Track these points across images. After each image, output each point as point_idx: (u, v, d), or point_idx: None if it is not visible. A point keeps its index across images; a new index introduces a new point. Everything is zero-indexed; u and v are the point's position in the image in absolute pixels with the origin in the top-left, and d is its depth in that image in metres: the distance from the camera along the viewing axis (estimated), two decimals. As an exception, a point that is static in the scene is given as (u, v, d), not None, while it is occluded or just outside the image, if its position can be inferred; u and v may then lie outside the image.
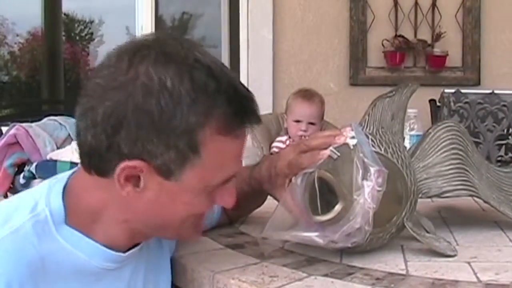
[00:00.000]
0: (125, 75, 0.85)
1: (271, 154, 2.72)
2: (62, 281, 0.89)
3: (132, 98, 0.84)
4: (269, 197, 1.18)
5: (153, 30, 3.68)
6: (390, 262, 1.02)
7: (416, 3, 3.59)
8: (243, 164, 0.97)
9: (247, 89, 0.91)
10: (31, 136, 2.70)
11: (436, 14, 3.60)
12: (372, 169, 0.97)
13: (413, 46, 3.56)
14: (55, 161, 2.58)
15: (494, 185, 1.26)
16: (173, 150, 0.85)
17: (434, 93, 3.02)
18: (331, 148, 1.01)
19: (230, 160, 0.90)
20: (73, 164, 2.37)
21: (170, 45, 0.89)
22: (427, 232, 1.10)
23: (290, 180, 1.04)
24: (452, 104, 2.81)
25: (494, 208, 1.20)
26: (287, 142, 2.82)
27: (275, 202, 1.10)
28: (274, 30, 3.58)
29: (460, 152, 1.20)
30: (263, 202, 1.24)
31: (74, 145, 2.45)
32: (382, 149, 1.05)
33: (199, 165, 0.87)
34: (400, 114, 1.14)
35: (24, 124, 2.76)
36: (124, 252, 0.95)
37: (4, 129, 2.88)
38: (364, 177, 0.97)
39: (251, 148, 2.89)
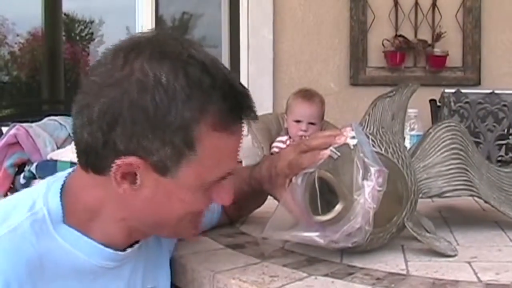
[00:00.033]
0: (120, 71, 0.85)
1: (272, 154, 2.72)
2: (60, 279, 0.89)
3: (127, 95, 0.84)
4: (269, 197, 1.18)
5: (153, 30, 3.69)
6: (390, 262, 1.02)
7: (417, 3, 3.59)
8: (244, 164, 0.97)
9: (243, 86, 0.91)
10: (31, 136, 2.70)
11: (437, 14, 3.60)
12: (372, 169, 0.97)
13: (414, 46, 3.57)
14: (56, 161, 2.57)
15: (495, 185, 1.26)
16: (169, 146, 0.85)
17: (435, 93, 3.02)
18: (331, 148, 1.01)
19: (226, 157, 0.90)
20: (73, 164, 2.36)
21: (166, 42, 0.89)
22: (428, 232, 1.10)
23: (291, 180, 1.04)
24: (452, 104, 2.82)
25: (495, 208, 1.20)
26: (288, 142, 2.82)
27: (276, 202, 1.10)
28: (274, 30, 3.58)
29: (461, 152, 1.20)
30: (263, 202, 1.24)
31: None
32: (383, 149, 1.05)
33: (195, 162, 0.87)
34: (400, 114, 1.14)
35: (24, 124, 2.76)
36: (123, 250, 0.95)
37: (4, 129, 2.87)
38: (365, 177, 0.97)
39: (251, 148, 2.90)
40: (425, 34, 3.59)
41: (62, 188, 0.93)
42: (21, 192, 0.99)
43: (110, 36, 5.63)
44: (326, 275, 0.96)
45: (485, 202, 1.21)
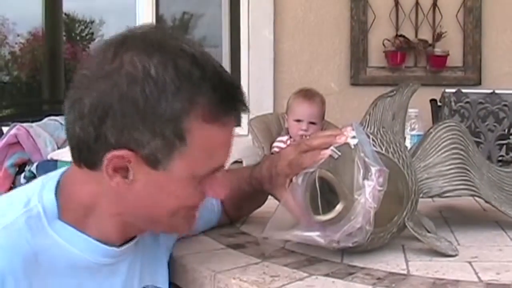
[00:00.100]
0: (110, 64, 0.86)
1: (272, 154, 2.72)
2: (56, 276, 0.89)
3: (117, 87, 0.84)
4: (270, 197, 1.18)
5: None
6: (391, 262, 1.02)
7: (417, 3, 3.59)
8: (244, 164, 0.97)
9: (233, 78, 0.92)
10: (31, 136, 2.70)
11: (437, 14, 3.60)
12: (373, 169, 0.97)
13: (414, 46, 3.57)
14: (56, 161, 2.58)
15: (495, 185, 1.26)
16: (159, 138, 0.85)
17: (435, 93, 3.02)
18: (332, 147, 1.01)
19: (218, 149, 0.90)
20: (74, 164, 2.36)
21: (155, 35, 0.90)
22: (428, 232, 1.10)
23: (291, 180, 1.04)
24: (453, 104, 2.81)
25: (495, 208, 1.20)
26: (288, 142, 2.82)
27: (276, 202, 1.10)
28: (275, 30, 3.58)
29: (461, 152, 1.20)
30: (264, 202, 1.24)
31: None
32: (383, 148, 1.04)
33: (187, 154, 0.87)
34: (401, 114, 1.14)
35: (25, 124, 2.77)
36: (119, 247, 0.95)
37: (5, 129, 2.88)
38: (365, 177, 0.97)
39: (251, 148, 2.89)
40: (425, 34, 3.59)
41: (57, 185, 0.93)
42: (16, 190, 1.00)
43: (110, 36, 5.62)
44: (326, 275, 0.95)
45: (486, 202, 1.21)
